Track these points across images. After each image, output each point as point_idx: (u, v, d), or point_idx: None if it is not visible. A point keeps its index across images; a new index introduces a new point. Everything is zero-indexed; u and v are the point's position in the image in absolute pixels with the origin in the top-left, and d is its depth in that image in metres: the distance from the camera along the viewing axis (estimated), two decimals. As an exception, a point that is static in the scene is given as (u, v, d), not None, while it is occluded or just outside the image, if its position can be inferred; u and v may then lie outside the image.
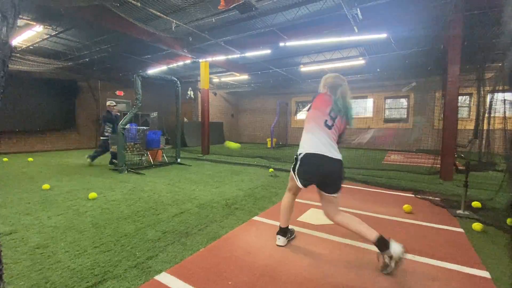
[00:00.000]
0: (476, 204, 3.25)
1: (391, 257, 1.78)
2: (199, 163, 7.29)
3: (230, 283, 1.73)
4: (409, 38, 6.82)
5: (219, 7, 4.50)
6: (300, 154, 2.07)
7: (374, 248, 1.83)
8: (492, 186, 4.24)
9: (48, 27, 6.27)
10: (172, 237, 2.43)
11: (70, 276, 1.78)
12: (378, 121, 12.33)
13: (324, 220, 2.35)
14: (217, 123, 14.44)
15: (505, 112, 5.32)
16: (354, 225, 1.95)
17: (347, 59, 9.15)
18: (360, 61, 9.07)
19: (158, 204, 3.41)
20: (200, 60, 8.75)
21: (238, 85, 14.34)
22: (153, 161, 6.65)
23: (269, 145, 12.67)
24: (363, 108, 13.00)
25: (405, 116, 11.99)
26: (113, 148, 6.13)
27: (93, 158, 6.50)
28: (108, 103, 6.61)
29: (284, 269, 1.91)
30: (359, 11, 5.13)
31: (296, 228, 2.60)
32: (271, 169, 5.84)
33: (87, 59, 8.80)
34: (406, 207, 3.16)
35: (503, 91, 5.59)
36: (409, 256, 2.09)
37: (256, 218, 2.96)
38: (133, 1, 4.79)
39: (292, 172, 2.13)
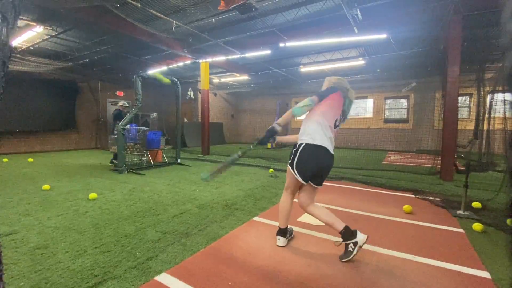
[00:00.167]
0: (476, 204, 3.25)
1: (355, 244, 1.96)
2: (199, 163, 7.29)
3: (230, 283, 1.73)
4: (409, 38, 6.82)
5: (219, 8, 4.50)
6: (301, 144, 2.06)
7: (373, 248, 1.85)
8: (492, 186, 4.23)
9: (48, 27, 6.27)
10: (172, 237, 2.43)
11: (70, 277, 1.78)
12: (378, 122, 12.33)
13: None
14: (217, 124, 14.44)
15: (505, 112, 5.32)
16: (324, 216, 2.09)
17: (347, 59, 9.15)
18: (360, 62, 9.06)
19: (158, 205, 3.41)
20: (200, 61, 8.75)
21: (238, 86, 14.33)
22: (153, 161, 6.65)
23: (269, 146, 12.66)
24: (363, 108, 12.99)
25: (405, 116, 11.99)
26: (113, 149, 6.13)
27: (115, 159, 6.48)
28: (120, 103, 7.06)
29: (284, 269, 1.91)
30: (359, 11, 5.13)
31: (296, 229, 2.60)
32: (271, 170, 5.84)
33: (87, 60, 8.80)
34: (406, 207, 3.16)
35: (503, 91, 5.59)
36: (409, 256, 2.10)
37: (256, 218, 2.96)
38: (133, 2, 4.79)
39: (290, 167, 2.10)
